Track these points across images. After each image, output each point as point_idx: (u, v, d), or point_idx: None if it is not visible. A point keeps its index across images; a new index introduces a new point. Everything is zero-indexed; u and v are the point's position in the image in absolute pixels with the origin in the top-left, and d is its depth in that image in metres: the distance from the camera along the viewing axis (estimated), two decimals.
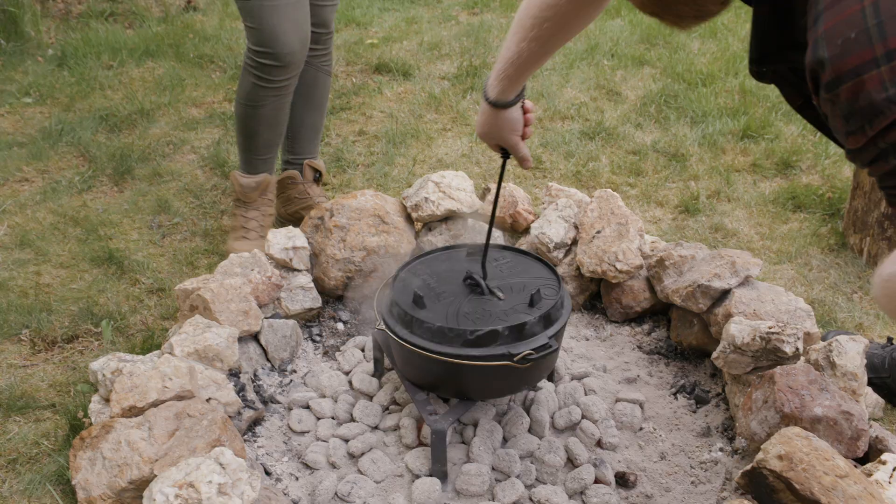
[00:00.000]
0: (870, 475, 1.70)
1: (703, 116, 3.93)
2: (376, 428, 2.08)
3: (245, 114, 2.73)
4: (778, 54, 1.31)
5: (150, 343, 2.45)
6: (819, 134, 3.71)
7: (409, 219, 2.68)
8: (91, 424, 1.98)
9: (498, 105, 1.83)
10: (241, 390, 2.12)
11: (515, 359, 1.82)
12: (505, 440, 2.04)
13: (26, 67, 4.64)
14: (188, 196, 3.37)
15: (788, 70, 1.33)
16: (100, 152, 3.65)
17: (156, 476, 1.68)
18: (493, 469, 1.95)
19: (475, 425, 2.04)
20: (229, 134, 3.87)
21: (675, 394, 2.28)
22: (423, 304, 1.94)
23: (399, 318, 1.93)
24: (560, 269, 2.57)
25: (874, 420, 2.11)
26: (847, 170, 3.42)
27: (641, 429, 2.16)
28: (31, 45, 4.95)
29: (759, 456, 1.67)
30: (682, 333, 2.38)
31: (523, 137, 1.92)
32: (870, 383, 2.20)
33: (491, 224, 2.04)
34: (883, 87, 1.03)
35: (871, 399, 2.13)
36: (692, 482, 1.99)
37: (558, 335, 1.94)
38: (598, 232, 2.53)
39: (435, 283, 2.06)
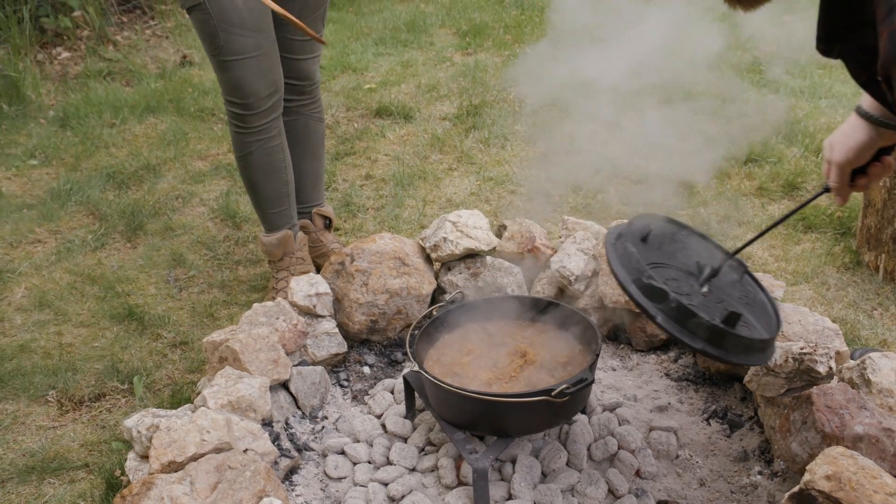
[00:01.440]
0: None
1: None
2: (414, 470, 2.08)
3: (240, 165, 2.80)
4: (846, 32, 1.34)
5: (178, 397, 2.45)
6: (821, 155, 3.76)
7: (428, 259, 2.70)
8: (129, 482, 1.97)
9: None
10: (275, 439, 2.12)
11: (553, 394, 1.83)
12: (544, 475, 2.04)
13: (30, 130, 4.68)
14: (201, 248, 3.39)
15: (857, 48, 1.35)
16: (110, 210, 3.67)
17: None
18: None
19: (513, 461, 2.04)
20: (237, 185, 3.90)
21: (707, 419, 2.29)
22: (735, 321, 1.77)
23: (709, 334, 1.75)
24: (582, 302, 2.59)
25: None
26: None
27: (678, 456, 2.16)
28: (33, 107, 4.99)
29: (806, 477, 1.68)
30: (709, 360, 2.39)
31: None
32: None
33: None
34: None
35: None
36: None
37: (592, 367, 1.96)
38: None
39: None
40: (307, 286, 2.51)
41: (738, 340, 1.75)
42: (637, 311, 2.46)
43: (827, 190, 1.78)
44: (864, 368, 1.97)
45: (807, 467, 1.72)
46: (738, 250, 2.00)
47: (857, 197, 3.39)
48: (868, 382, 1.95)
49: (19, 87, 5.05)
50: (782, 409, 2.05)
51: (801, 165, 3.72)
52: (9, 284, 3.16)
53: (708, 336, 1.73)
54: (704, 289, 1.93)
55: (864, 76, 1.37)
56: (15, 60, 5.17)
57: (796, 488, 1.69)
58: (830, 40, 1.37)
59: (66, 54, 6.05)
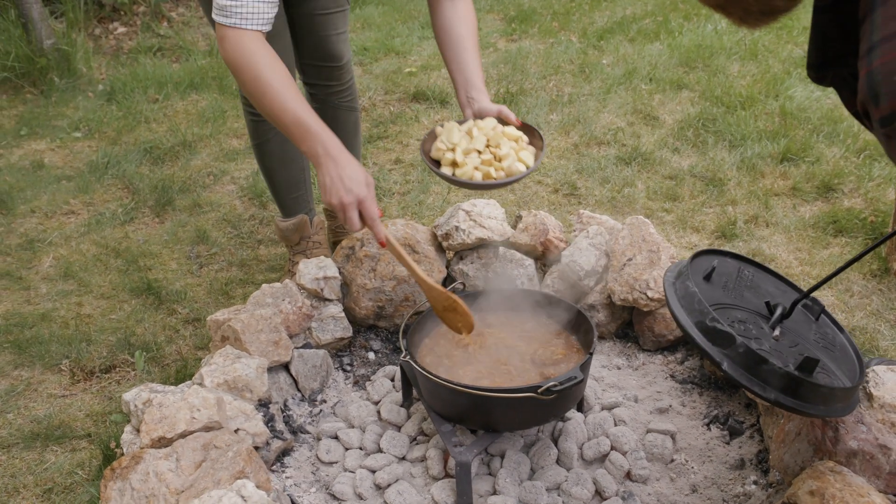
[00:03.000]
0: None
1: (742, 140, 3.87)
2: (403, 459, 2.07)
3: (257, 153, 2.79)
4: (838, 60, 1.29)
5: (183, 373, 2.47)
6: (862, 156, 3.63)
7: (439, 248, 2.68)
8: (122, 455, 2.00)
9: None
10: (270, 420, 2.13)
11: (540, 391, 1.79)
12: (532, 472, 2.01)
13: (77, 103, 4.78)
14: (226, 226, 3.42)
15: (850, 75, 1.30)
16: (143, 184, 3.73)
17: None
18: (519, 502, 1.92)
19: (502, 457, 2.02)
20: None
21: (708, 424, 2.23)
22: (813, 368, 1.66)
23: (782, 382, 1.64)
24: (591, 298, 2.54)
25: None
26: (892, 193, 3.33)
27: (673, 460, 2.11)
28: (83, 81, 5.10)
29: (790, 490, 1.62)
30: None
31: None
32: None
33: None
34: None
35: None
36: None
37: (585, 366, 1.92)
38: (630, 259, 2.50)
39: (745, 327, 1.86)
40: (315, 269, 2.51)
41: (816, 389, 1.62)
42: (645, 309, 2.41)
43: None
44: (867, 382, 1.89)
45: (793, 481, 1.66)
46: (814, 288, 1.85)
47: (893, 201, 3.26)
48: (870, 396, 1.87)
49: (71, 60, 5.15)
50: (780, 418, 1.98)
51: (840, 166, 3.59)
52: (38, 254, 3.23)
53: (782, 385, 1.61)
54: (776, 332, 1.81)
55: (857, 106, 1.32)
56: (69, 34, 5.27)
57: (779, 502, 1.64)
58: (823, 67, 1.32)
59: (121, 29, 6.16)
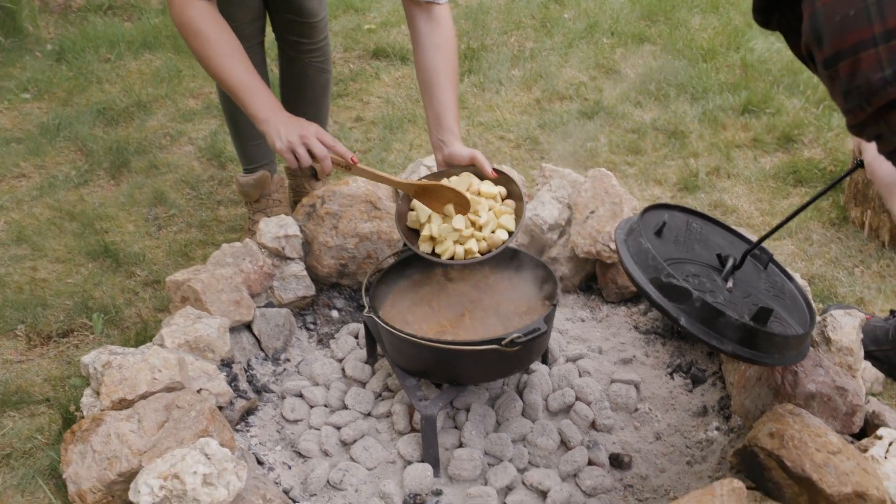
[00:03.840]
0: (865, 450, 1.67)
1: (704, 93, 3.88)
2: (369, 415, 2.08)
3: (220, 94, 2.74)
4: (783, 2, 1.28)
5: (143, 336, 2.45)
6: (822, 107, 3.66)
7: None
8: (83, 418, 1.98)
9: None
10: (233, 380, 2.12)
11: (503, 343, 1.80)
12: (498, 424, 2.03)
13: (24, 63, 4.64)
14: (185, 188, 3.37)
15: (794, 18, 1.30)
16: (97, 146, 3.65)
17: (143, 468, 1.68)
18: (485, 454, 1.94)
19: (468, 410, 2.03)
20: (225, 125, 3.85)
21: (671, 374, 2.26)
22: (767, 318, 1.68)
23: (739, 334, 1.65)
24: (554, 251, 2.55)
25: (872, 395, 2.08)
26: (850, 143, 3.37)
27: (637, 410, 2.14)
28: (30, 40, 4.94)
29: (751, 434, 1.65)
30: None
31: None
32: (871, 356, 2.17)
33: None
34: (880, 66, 1.02)
35: (869, 374, 2.10)
36: (687, 462, 1.97)
37: (548, 317, 1.93)
38: (592, 212, 2.50)
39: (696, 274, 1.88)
40: (276, 227, 2.48)
41: (771, 339, 1.64)
42: (608, 261, 2.43)
43: (860, 165, 1.70)
44: (825, 326, 1.93)
45: (753, 424, 1.69)
46: (764, 238, 1.87)
47: (851, 151, 3.30)
48: (828, 340, 1.91)
49: (17, 18, 4.99)
50: (741, 364, 2.01)
51: (800, 117, 3.62)
52: None
53: (738, 336, 1.62)
54: (729, 283, 1.82)
55: (804, 50, 1.32)
56: None
57: (740, 444, 1.67)
58: (768, 10, 1.31)
59: None
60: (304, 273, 2.47)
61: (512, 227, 2.04)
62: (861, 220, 2.81)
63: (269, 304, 2.39)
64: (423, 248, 2.06)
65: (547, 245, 2.56)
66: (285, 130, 1.96)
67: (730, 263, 1.86)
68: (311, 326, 2.46)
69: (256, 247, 2.43)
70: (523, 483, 1.89)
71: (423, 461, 1.91)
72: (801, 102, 3.73)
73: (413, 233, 2.12)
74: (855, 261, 2.70)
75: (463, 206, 2.04)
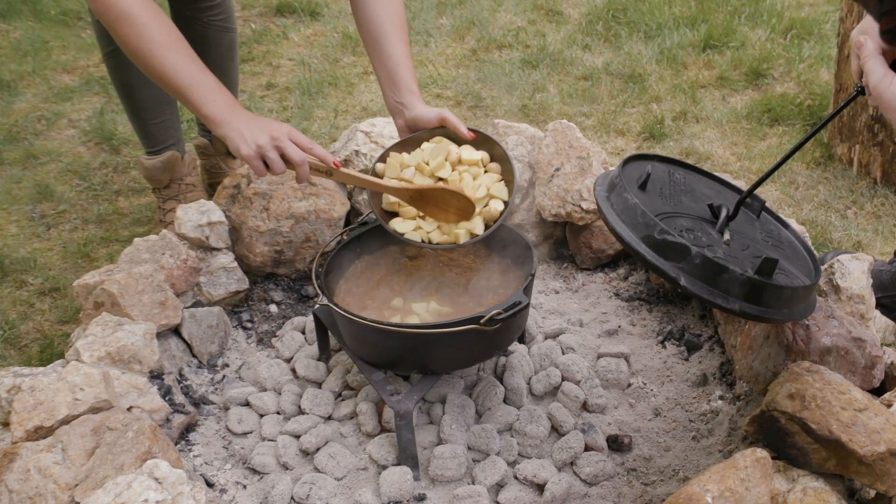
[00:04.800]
0: (889, 405, 1.74)
1: (658, 29, 3.95)
2: (330, 418, 2.07)
3: (109, 65, 2.66)
4: None
5: (49, 353, 2.39)
6: (789, 36, 3.77)
7: None
8: None
9: None
10: (166, 394, 2.08)
11: (482, 321, 1.81)
12: (479, 415, 2.04)
13: None
14: (73, 178, 3.28)
15: None
16: None
17: None
18: (469, 449, 1.95)
19: (443, 402, 2.04)
20: (113, 100, 3.76)
21: (662, 342, 2.31)
22: (772, 270, 1.70)
23: (745, 289, 1.69)
24: (518, 217, 2.57)
25: (885, 345, 2.17)
26: (826, 73, 3.48)
27: (630, 385, 2.18)
28: None
29: (768, 397, 1.70)
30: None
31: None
32: (879, 304, 2.26)
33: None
34: None
35: (879, 323, 2.18)
36: (693, 437, 2.03)
37: (528, 289, 1.94)
38: (557, 169, 2.53)
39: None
40: (197, 214, 2.44)
41: (779, 292, 1.66)
42: (580, 223, 2.46)
43: (861, 91, 1.74)
44: (833, 273, 2.00)
45: (769, 387, 1.75)
46: (757, 184, 1.89)
47: (827, 82, 3.41)
48: (837, 289, 1.98)
49: None
50: (743, 324, 2.07)
51: (767, 49, 3.72)
52: None
53: (745, 293, 1.65)
54: (726, 236, 1.85)
55: None
56: None
57: (757, 411, 1.72)
58: None
59: None
60: (235, 265, 2.44)
61: (505, 195, 2.04)
62: (849, 156, 2.91)
63: (198, 304, 2.36)
64: (403, 228, 2.03)
65: (510, 211, 2.58)
66: (251, 133, 1.87)
67: (724, 214, 1.90)
68: (249, 325, 2.43)
69: (176, 238, 2.39)
70: (515, 477, 1.91)
71: (399, 464, 1.91)
72: (767, 33, 3.84)
73: (390, 215, 2.10)
74: (846, 202, 2.81)
75: (466, 211, 2.01)
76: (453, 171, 2.04)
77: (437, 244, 2.02)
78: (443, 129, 2.08)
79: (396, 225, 2.05)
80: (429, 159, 2.05)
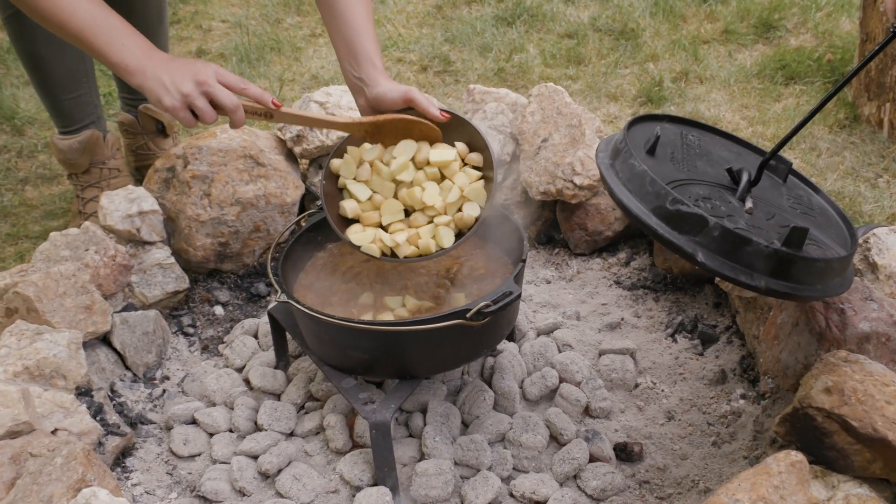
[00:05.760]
0: None
1: None
2: (292, 434, 2.07)
3: (12, 32, 2.61)
4: None
5: None
6: None
7: (290, 156, 2.64)
8: None
9: None
10: (97, 413, 2.06)
11: (468, 315, 1.81)
12: (465, 425, 2.05)
13: None
14: None
15: None
16: None
17: None
18: (456, 464, 1.95)
19: (424, 411, 2.04)
20: (12, 71, 3.72)
21: (672, 335, 2.33)
22: (802, 240, 1.71)
23: (771, 263, 1.70)
24: (500, 196, 2.58)
25: None
26: (847, 22, 3.52)
27: (637, 385, 2.20)
28: None
29: (800, 393, 1.72)
30: (670, 257, 2.42)
31: None
32: None
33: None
34: None
35: None
36: (713, 443, 2.04)
37: (518, 277, 1.95)
38: (545, 140, 2.54)
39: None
40: (125, 203, 2.42)
41: (810, 265, 1.68)
42: (572, 201, 2.47)
43: None
44: (869, 249, 2.02)
45: (801, 381, 1.76)
46: (782, 144, 1.91)
47: (850, 32, 3.45)
48: (874, 267, 2.00)
49: None
50: (766, 311, 2.09)
51: None
52: None
53: (771, 267, 1.65)
54: (748, 203, 1.86)
55: None
56: None
57: (789, 409, 1.73)
58: None
59: None
60: (172, 260, 2.42)
61: (482, 199, 2.01)
62: (878, 116, 2.94)
63: (130, 307, 2.34)
64: (371, 249, 2.00)
65: (487, 211, 2.59)
66: (172, 78, 1.84)
67: (745, 179, 1.92)
68: (191, 330, 2.42)
69: (101, 231, 2.37)
70: (511, 495, 1.91)
71: (376, 484, 1.90)
72: None
73: (348, 222, 2.07)
74: (877, 169, 2.84)
75: (431, 136, 2.02)
76: (418, 171, 2.03)
77: (404, 258, 1.99)
78: (410, 111, 2.06)
79: (353, 235, 2.01)
80: (388, 159, 2.03)
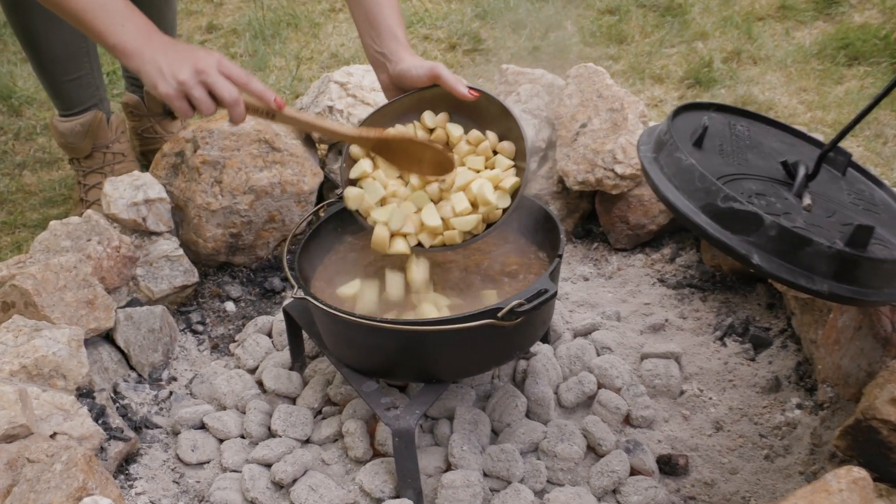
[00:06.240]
0: None
1: None
2: (308, 441, 2.07)
3: (7, 7, 2.63)
4: None
5: None
6: None
7: (308, 141, 2.65)
8: None
9: None
10: (99, 416, 2.07)
11: (500, 315, 1.81)
12: (496, 433, 2.04)
13: None
14: None
15: None
16: None
17: None
18: (485, 475, 1.95)
19: (451, 418, 2.04)
20: (9, 49, 3.75)
21: (721, 338, 2.32)
22: (867, 239, 1.70)
23: (834, 266, 1.68)
24: (535, 186, 2.57)
25: None
26: None
27: (683, 392, 2.19)
28: None
29: (864, 403, 1.70)
30: (719, 253, 2.40)
31: None
32: None
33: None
34: None
35: None
36: (765, 456, 2.03)
37: (554, 274, 1.94)
38: (583, 125, 2.53)
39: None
40: (130, 190, 2.43)
41: (877, 267, 1.66)
42: (613, 192, 2.46)
43: None
44: None
45: (864, 390, 1.75)
46: (843, 134, 1.88)
47: None
48: None
49: None
50: (825, 313, 2.08)
51: None
52: None
53: (834, 270, 1.64)
54: (806, 199, 1.83)
55: None
56: None
57: (850, 420, 1.72)
58: None
59: None
60: (180, 252, 2.43)
61: (505, 202, 2.00)
62: None
63: (135, 302, 2.35)
64: (399, 243, 2.01)
65: (524, 179, 2.58)
66: (169, 65, 1.85)
67: (801, 173, 1.90)
68: (200, 328, 2.44)
69: (105, 221, 2.38)
70: None
71: (398, 496, 1.90)
72: None
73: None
74: None
75: (443, 166, 2.00)
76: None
77: (430, 248, 2.01)
78: (436, 89, 2.06)
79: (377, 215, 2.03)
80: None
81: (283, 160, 2.51)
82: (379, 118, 2.08)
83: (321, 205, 2.25)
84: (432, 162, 2.00)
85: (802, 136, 2.12)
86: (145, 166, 3.02)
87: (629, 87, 3.31)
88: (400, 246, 2.00)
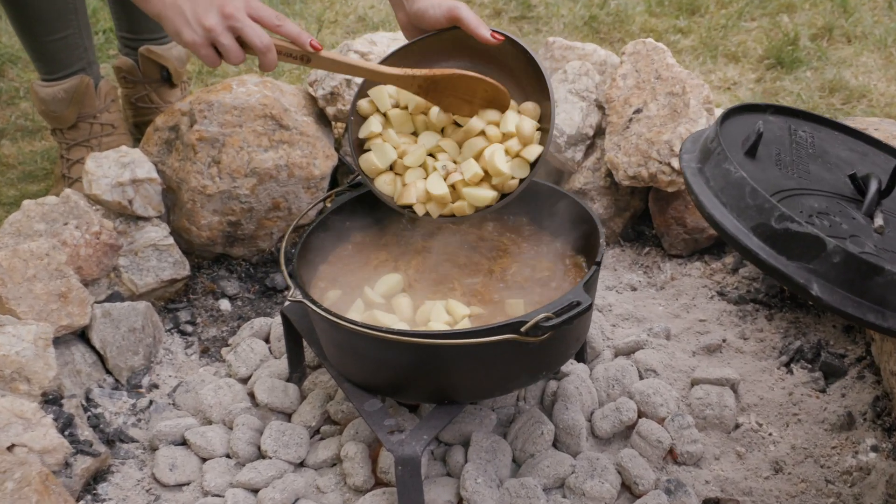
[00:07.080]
0: None
1: None
2: (302, 465, 2.08)
3: None
4: None
5: None
6: None
7: (322, 118, 2.66)
8: None
9: None
10: (66, 426, 2.09)
11: (523, 329, 1.80)
12: (517, 464, 2.04)
13: None
14: None
15: None
16: None
17: None
18: None
19: (466, 445, 2.04)
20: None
21: (787, 364, 2.30)
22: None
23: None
24: (580, 179, 2.57)
25: None
26: None
27: (738, 426, 2.17)
28: None
29: None
30: None
31: None
32: None
33: None
34: None
35: None
36: None
37: (590, 284, 1.93)
38: (638, 111, 2.52)
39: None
40: (116, 168, 2.45)
41: None
42: (669, 189, 2.45)
43: None
44: None
45: None
46: None
47: None
48: None
49: None
50: None
51: None
52: None
53: None
54: (877, 220, 1.82)
55: None
56: None
57: None
58: None
59: None
60: (170, 241, 2.45)
61: (532, 156, 2.03)
62: None
63: (115, 297, 2.37)
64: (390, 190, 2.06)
65: (566, 170, 2.57)
66: (194, 8, 1.86)
67: (873, 188, 1.88)
68: (189, 328, 2.45)
69: (85, 202, 2.40)
70: None
71: None
72: None
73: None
74: None
75: (498, 101, 2.04)
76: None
77: (438, 217, 2.04)
78: (456, 31, 2.08)
79: (383, 186, 2.08)
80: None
81: (292, 139, 2.52)
82: (395, 61, 2.10)
83: (329, 193, 2.26)
84: (485, 99, 2.03)
85: (878, 143, 2.10)
86: (138, 140, 3.04)
87: (699, 66, 3.29)
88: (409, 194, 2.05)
